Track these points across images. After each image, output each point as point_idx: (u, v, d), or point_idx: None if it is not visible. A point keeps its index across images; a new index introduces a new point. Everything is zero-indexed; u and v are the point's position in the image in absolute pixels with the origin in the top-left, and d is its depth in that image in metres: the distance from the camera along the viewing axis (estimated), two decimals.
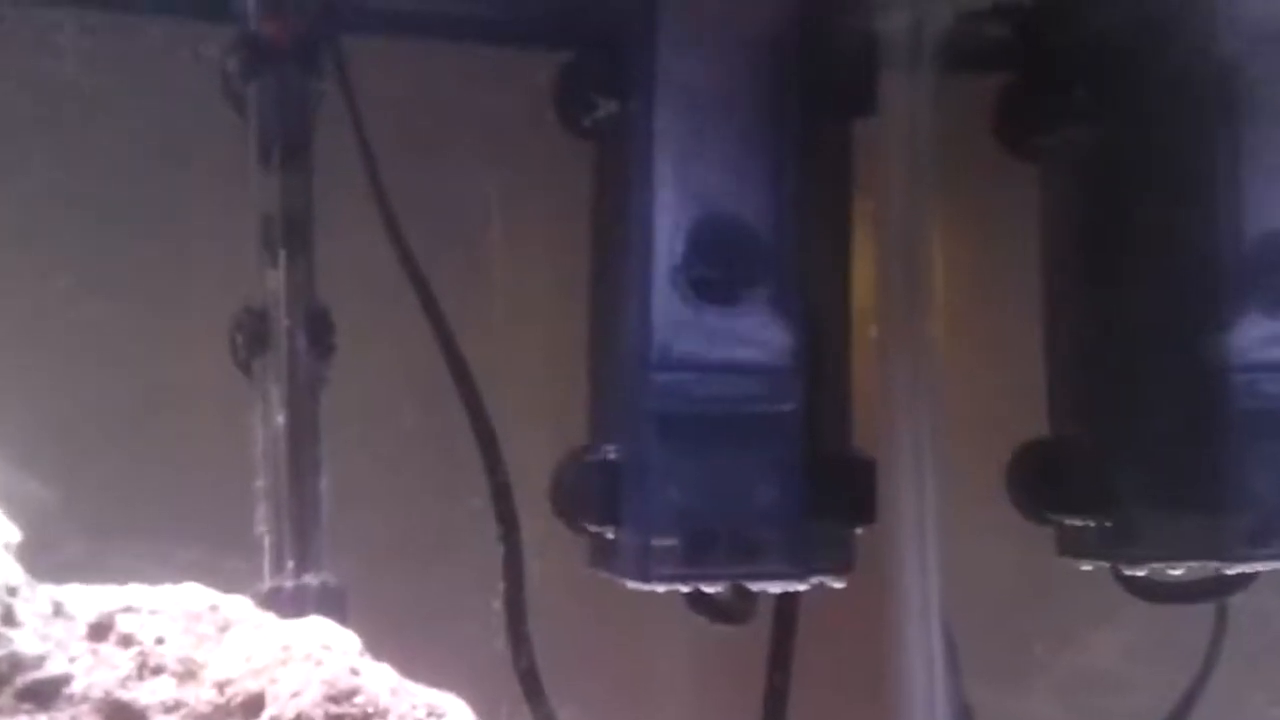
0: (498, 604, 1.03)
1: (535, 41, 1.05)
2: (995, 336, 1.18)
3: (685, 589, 0.96)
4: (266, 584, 0.91)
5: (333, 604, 0.88)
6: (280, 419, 0.93)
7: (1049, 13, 1.08)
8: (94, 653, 0.64)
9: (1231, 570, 1.01)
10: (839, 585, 0.99)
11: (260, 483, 0.93)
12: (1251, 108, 0.98)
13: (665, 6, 0.94)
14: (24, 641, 0.62)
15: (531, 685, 1.03)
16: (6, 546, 0.65)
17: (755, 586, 0.97)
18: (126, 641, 0.65)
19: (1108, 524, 1.04)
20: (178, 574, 0.69)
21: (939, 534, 1.07)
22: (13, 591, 0.62)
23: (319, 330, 0.95)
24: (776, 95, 0.95)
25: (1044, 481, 1.09)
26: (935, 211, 1.08)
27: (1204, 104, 0.99)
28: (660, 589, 0.94)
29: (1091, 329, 1.07)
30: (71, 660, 0.63)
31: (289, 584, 0.90)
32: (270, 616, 0.70)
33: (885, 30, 1.04)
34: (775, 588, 0.98)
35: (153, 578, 0.69)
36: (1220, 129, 0.98)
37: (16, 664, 0.61)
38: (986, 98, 1.12)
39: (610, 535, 0.98)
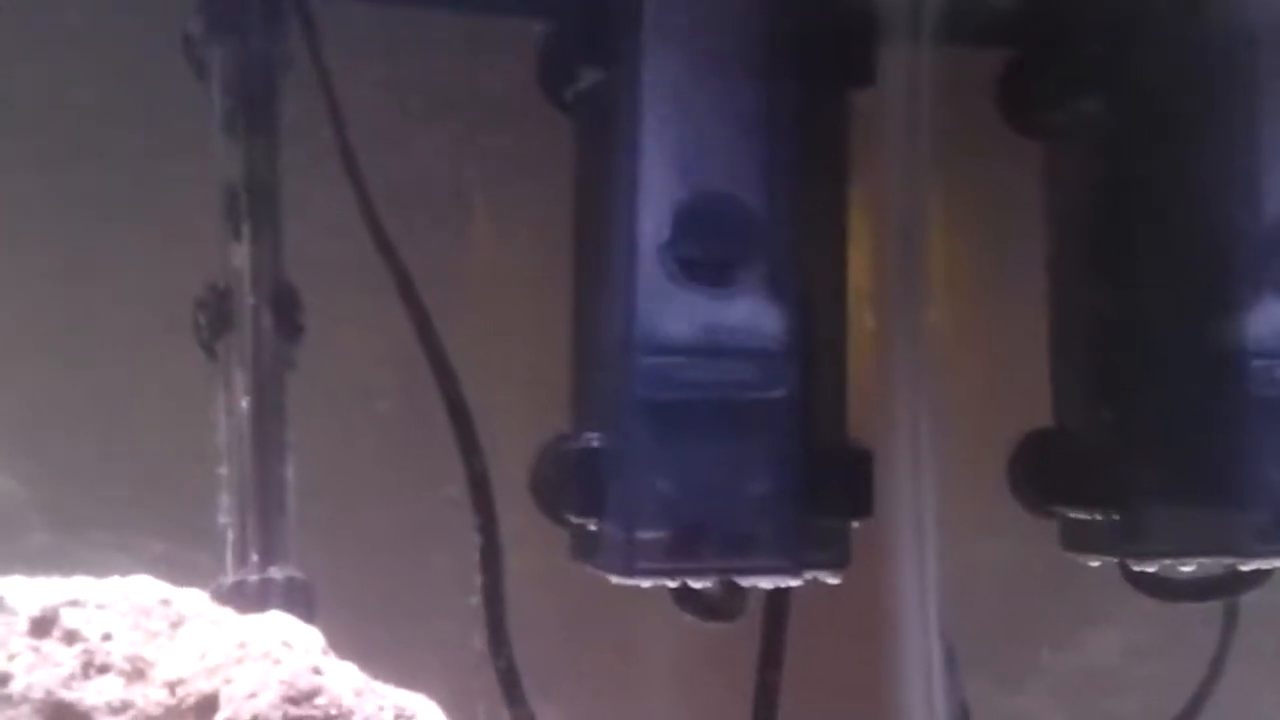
0: (475, 599, 1.00)
1: (513, 9, 1.02)
2: (998, 322, 1.16)
3: (672, 584, 0.94)
4: (229, 578, 0.88)
5: (299, 599, 0.86)
6: (244, 403, 0.90)
7: None
8: (35, 650, 0.61)
9: (1245, 566, 0.99)
10: (834, 581, 0.97)
11: (223, 470, 0.90)
12: (1270, 81, 0.96)
13: None
14: None
15: (510, 684, 1.00)
16: None
17: (746, 582, 0.95)
18: (71, 638, 0.62)
19: (1115, 518, 1.02)
20: (144, 567, 0.67)
21: (938, 528, 1.04)
22: None
23: (286, 309, 0.92)
24: (770, 65, 0.92)
25: (1048, 474, 1.08)
26: (936, 191, 1.06)
27: (1219, 77, 0.97)
28: (646, 584, 0.92)
29: (1098, 314, 1.06)
30: (11, 658, 0.60)
31: (253, 578, 0.87)
32: (227, 612, 0.67)
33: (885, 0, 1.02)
34: (767, 583, 0.96)
35: (120, 569, 0.66)
36: (1236, 102, 0.96)
37: None
38: (990, 71, 1.10)
39: (593, 527, 0.96)
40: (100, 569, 0.66)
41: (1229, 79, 0.97)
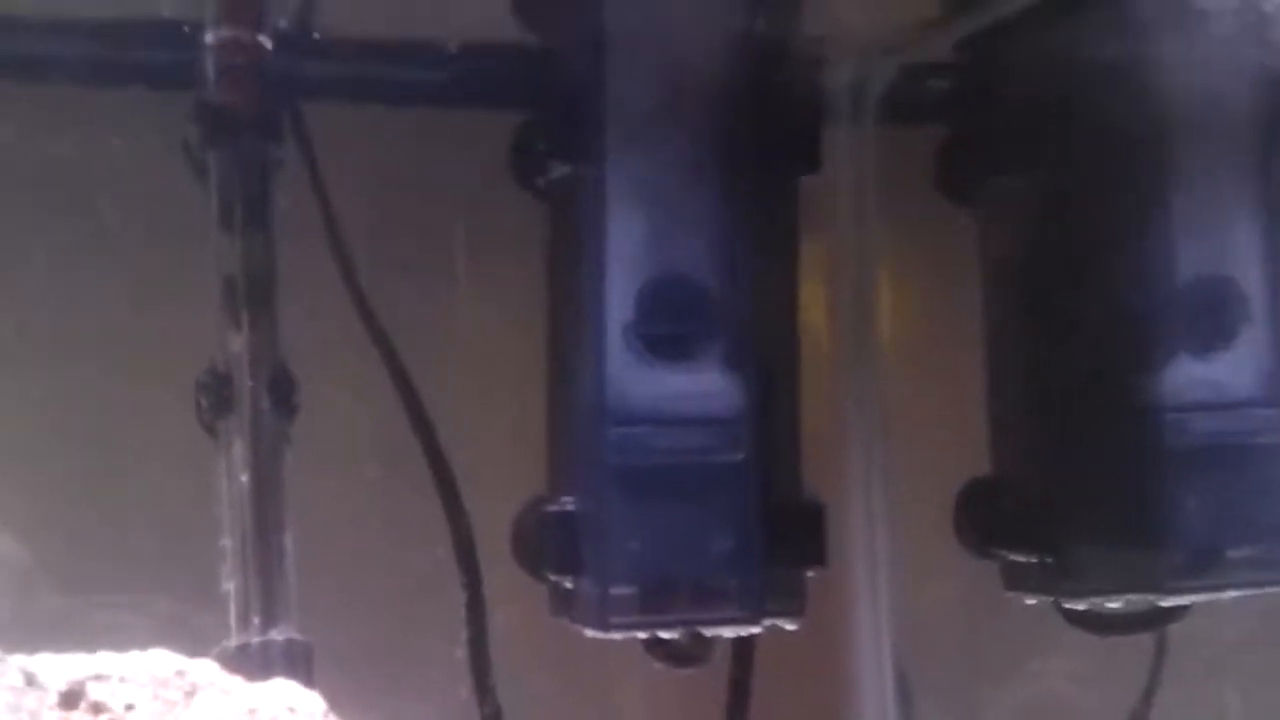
0: (462, 651, 1.04)
1: (490, 104, 1.06)
2: (942, 379, 1.20)
3: (643, 635, 0.97)
4: (233, 640, 0.91)
5: (299, 658, 0.90)
6: (244, 478, 0.93)
7: (984, 69, 1.11)
8: None
9: (1166, 602, 1.02)
10: (792, 627, 1.00)
11: (226, 540, 0.93)
12: (1177, 159, 1.00)
13: (614, 73, 0.95)
14: None
15: None
16: None
17: (710, 632, 0.98)
18: (97, 710, 0.65)
19: (1049, 560, 1.06)
20: (151, 625, 0.71)
21: (890, 572, 1.09)
22: None
23: (282, 390, 0.96)
24: (724, 157, 0.97)
25: (988, 519, 1.11)
26: (882, 261, 1.11)
27: (1133, 156, 1.01)
28: (618, 636, 0.95)
29: (1029, 370, 1.09)
30: None
31: (255, 640, 0.91)
32: (237, 680, 0.70)
33: (830, 87, 1.07)
34: (729, 632, 0.99)
35: (128, 630, 0.70)
36: (1149, 179, 1.00)
37: None
38: (928, 149, 1.14)
39: (569, 584, 0.99)
40: (110, 629, 0.71)
41: (1142, 158, 1.01)
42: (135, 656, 0.69)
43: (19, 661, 0.66)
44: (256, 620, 0.92)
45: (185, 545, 0.99)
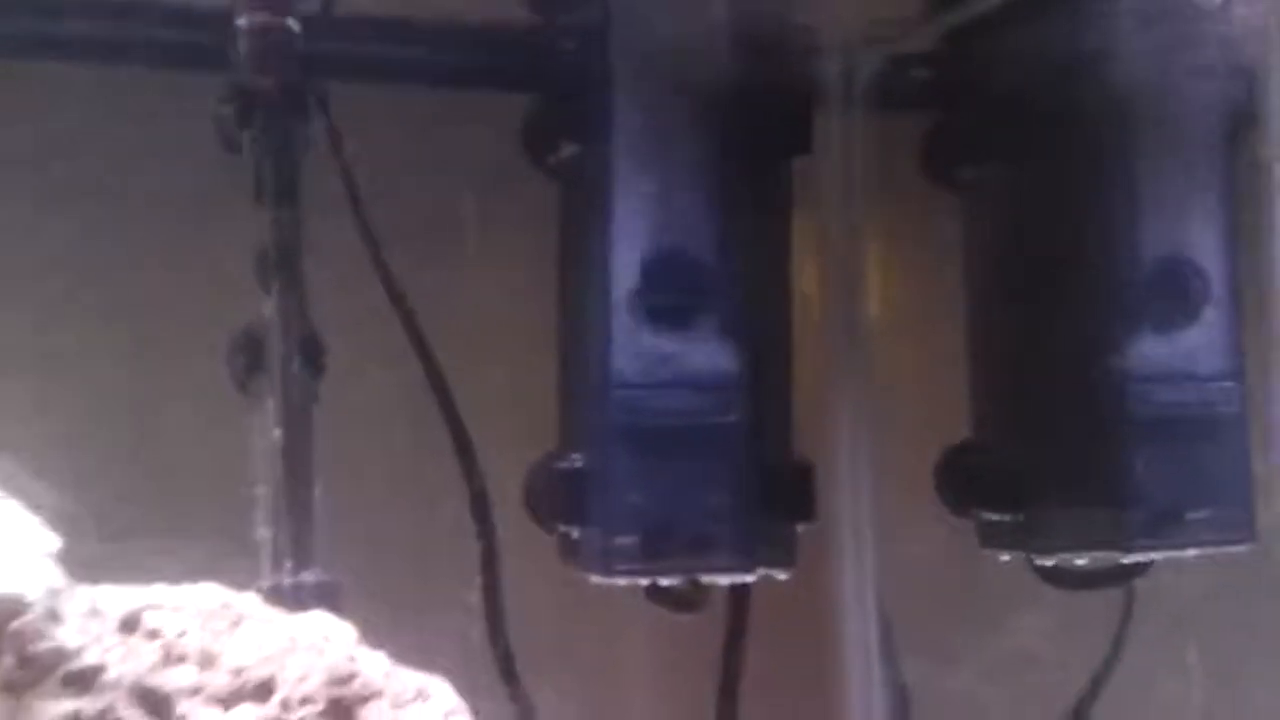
0: (476, 596, 1.08)
1: (503, 86, 1.11)
2: (924, 349, 1.24)
3: (644, 581, 1.02)
4: (267, 581, 0.96)
5: (327, 599, 0.93)
6: (277, 433, 0.98)
7: (966, 59, 1.16)
8: (125, 645, 0.67)
9: (1128, 559, 1.08)
10: (783, 577, 1.05)
11: (260, 490, 0.98)
12: (1142, 148, 1.05)
13: (620, 60, 1.01)
14: (66, 636, 0.66)
15: (507, 668, 1.08)
16: (48, 554, 0.72)
17: (707, 579, 1.03)
18: (152, 635, 0.69)
19: (1020, 519, 1.11)
20: (188, 572, 0.73)
21: (875, 528, 1.14)
22: (56, 593, 0.67)
23: (311, 353, 1.00)
24: (721, 140, 1.02)
25: (966, 480, 1.17)
26: (869, 239, 1.15)
27: (1104, 145, 1.06)
28: (622, 582, 1.00)
29: (1005, 344, 1.14)
30: (106, 652, 0.66)
31: (287, 581, 0.96)
32: (277, 611, 0.74)
33: (821, 76, 1.11)
34: (725, 579, 1.05)
35: (166, 574, 0.73)
36: (1118, 167, 1.05)
37: (60, 655, 0.65)
38: (913, 134, 1.19)
39: (576, 534, 1.04)
40: (148, 572, 0.72)
41: (1109, 147, 1.06)
42: (186, 589, 0.74)
43: (85, 591, 0.69)
44: (289, 563, 0.96)
45: (218, 496, 1.03)
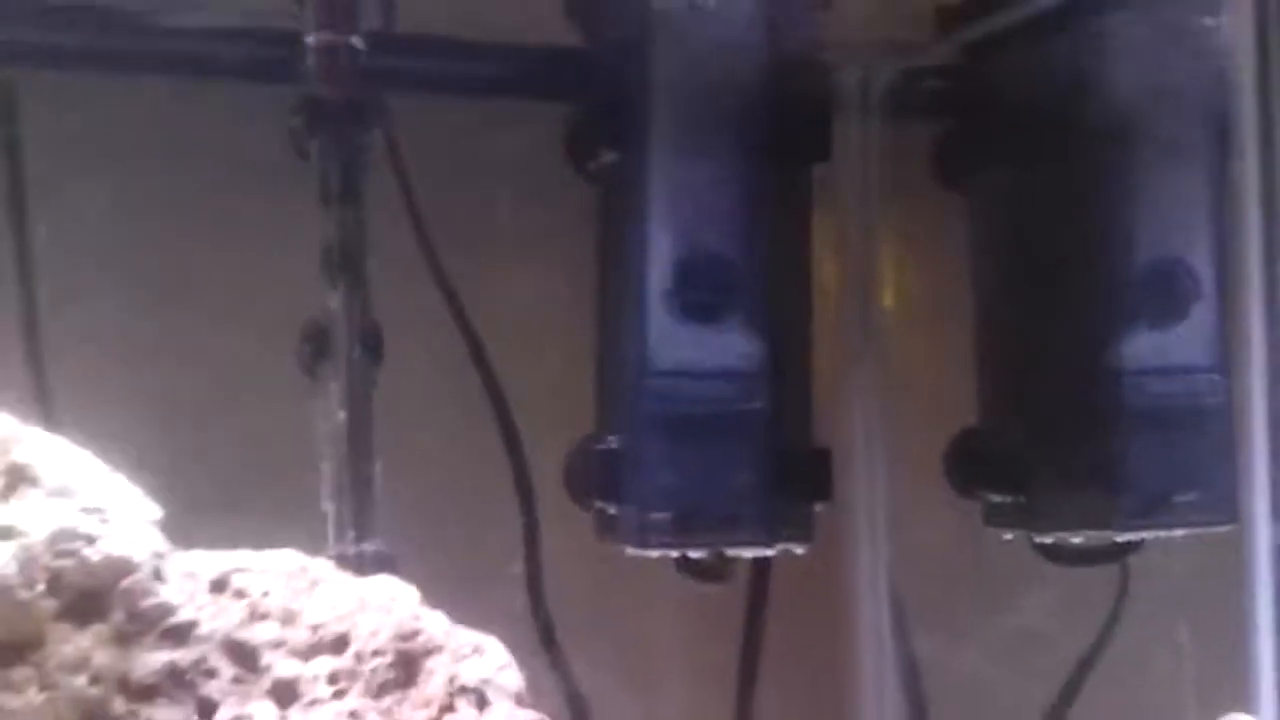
0: (518, 568, 1.14)
1: (547, 97, 1.16)
2: (935, 342, 1.27)
3: (675, 554, 1.07)
4: (331, 550, 1.02)
5: (385, 567, 0.95)
6: (340, 415, 1.04)
7: (977, 71, 1.21)
8: (215, 603, 0.71)
9: (1121, 538, 1.13)
10: (801, 551, 1.11)
11: (324, 467, 1.04)
12: (1140, 158, 1.10)
13: (656, 75, 1.06)
14: (168, 594, 0.70)
15: (547, 635, 1.14)
16: (152, 521, 0.75)
17: (732, 552, 1.09)
18: (239, 594, 0.73)
19: (1022, 500, 1.16)
20: (254, 543, 0.75)
21: (888, 510, 1.19)
22: (159, 556, 0.71)
23: (371, 342, 1.06)
24: (749, 148, 1.07)
25: (972, 464, 1.21)
26: (884, 240, 1.20)
27: (1101, 152, 1.10)
28: (655, 554, 1.04)
29: (1009, 338, 1.18)
30: (199, 609, 0.70)
31: (350, 551, 1.02)
32: (348, 576, 0.78)
33: (840, 86, 1.17)
34: (748, 553, 1.10)
35: (233, 541, 0.75)
36: (1115, 172, 1.10)
37: (163, 611, 0.70)
38: (926, 143, 1.24)
39: (613, 511, 1.09)
40: (217, 540, 0.74)
41: (1110, 155, 1.10)
42: (268, 554, 0.77)
43: (181, 556, 0.74)
44: (351, 534, 1.02)
45: (283, 472, 1.08)
